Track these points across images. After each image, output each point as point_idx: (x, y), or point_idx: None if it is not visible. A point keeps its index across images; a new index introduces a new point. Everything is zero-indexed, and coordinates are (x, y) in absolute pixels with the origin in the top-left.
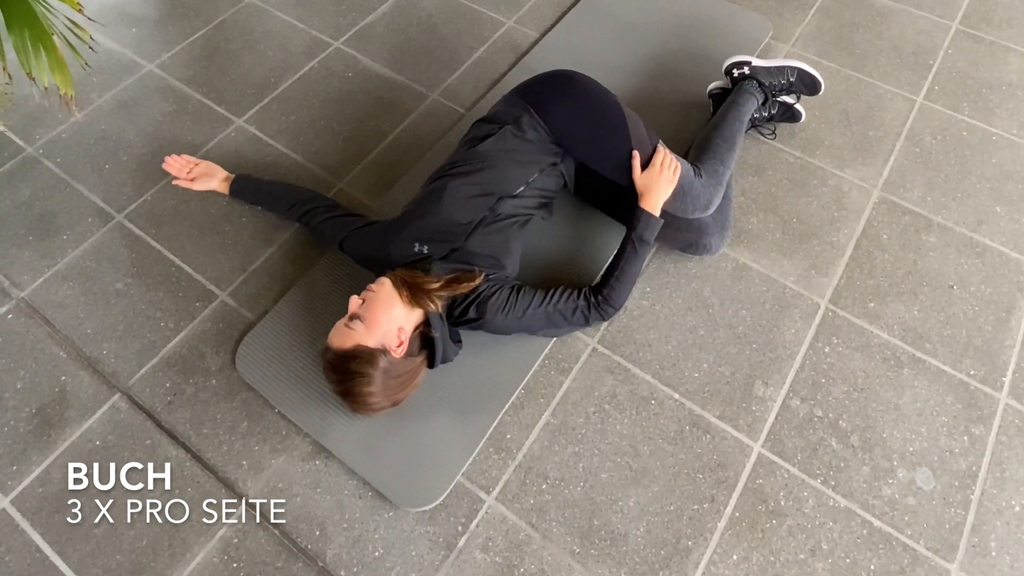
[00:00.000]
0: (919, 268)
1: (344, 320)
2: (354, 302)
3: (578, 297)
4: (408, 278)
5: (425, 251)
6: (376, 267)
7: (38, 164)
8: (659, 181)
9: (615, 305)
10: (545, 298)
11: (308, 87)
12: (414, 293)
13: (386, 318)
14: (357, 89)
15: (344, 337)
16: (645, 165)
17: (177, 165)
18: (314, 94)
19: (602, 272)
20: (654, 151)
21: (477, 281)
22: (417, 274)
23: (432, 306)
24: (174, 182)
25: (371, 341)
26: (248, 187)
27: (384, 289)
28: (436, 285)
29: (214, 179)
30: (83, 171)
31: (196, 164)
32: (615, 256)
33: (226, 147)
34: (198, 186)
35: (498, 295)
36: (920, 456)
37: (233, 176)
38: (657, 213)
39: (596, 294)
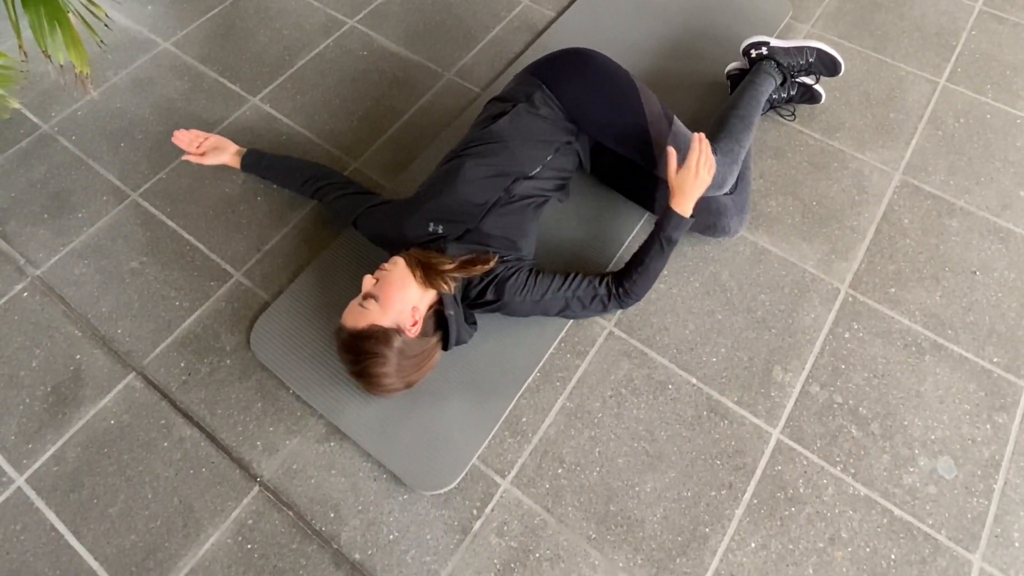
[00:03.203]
0: (941, 253)
1: (358, 300)
2: (368, 281)
3: (599, 285)
4: (422, 258)
5: (440, 231)
6: (390, 246)
7: (53, 142)
8: (694, 183)
9: (636, 298)
10: (564, 283)
11: (323, 66)
12: (428, 273)
13: (400, 298)
14: (372, 68)
15: (358, 317)
16: (663, 143)
17: (187, 139)
18: (329, 73)
19: (626, 262)
20: (688, 150)
21: (491, 264)
22: (431, 254)
23: (445, 287)
24: (184, 157)
25: (385, 321)
26: (260, 161)
27: (398, 268)
28: (450, 266)
29: (225, 153)
30: (98, 149)
31: (206, 138)
32: (641, 250)
33: (241, 125)
34: (208, 160)
35: (516, 277)
36: (942, 444)
37: (244, 150)
38: (688, 214)
39: (618, 285)
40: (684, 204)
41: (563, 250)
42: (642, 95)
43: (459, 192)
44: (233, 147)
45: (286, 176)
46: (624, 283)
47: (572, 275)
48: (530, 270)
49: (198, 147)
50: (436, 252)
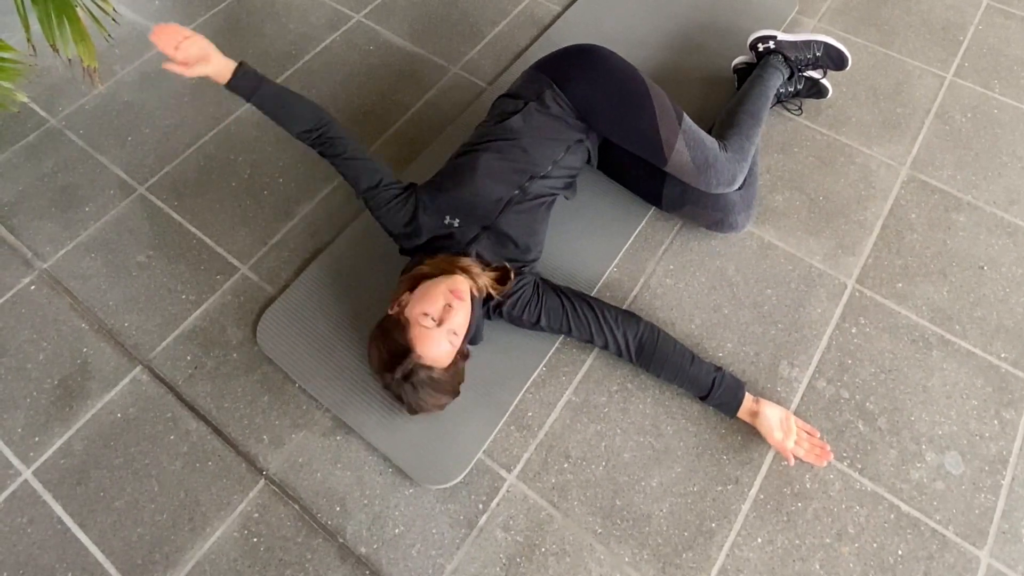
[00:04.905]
0: (948, 248)
1: (442, 333)
2: (450, 313)
3: (610, 337)
4: (471, 273)
5: (455, 224)
6: (399, 234)
7: (61, 136)
8: (778, 438)
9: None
10: (566, 317)
11: (329, 60)
12: (477, 284)
13: (469, 324)
14: (378, 63)
15: (446, 354)
16: (672, 140)
17: (166, 36)
18: (335, 67)
19: (656, 350)
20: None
21: (511, 283)
22: (470, 265)
23: (494, 292)
24: (165, 65)
25: (458, 352)
26: (254, 87)
27: (468, 297)
28: (491, 277)
29: (210, 64)
30: (106, 143)
31: (187, 36)
32: (676, 371)
33: (247, 119)
34: (193, 72)
35: (520, 293)
36: (949, 440)
37: (236, 65)
38: (733, 416)
39: (636, 355)
40: (745, 416)
41: (567, 245)
42: (651, 92)
43: (477, 185)
44: (221, 58)
45: (284, 115)
46: (640, 360)
47: (578, 310)
48: (535, 286)
49: (176, 48)
50: (460, 255)
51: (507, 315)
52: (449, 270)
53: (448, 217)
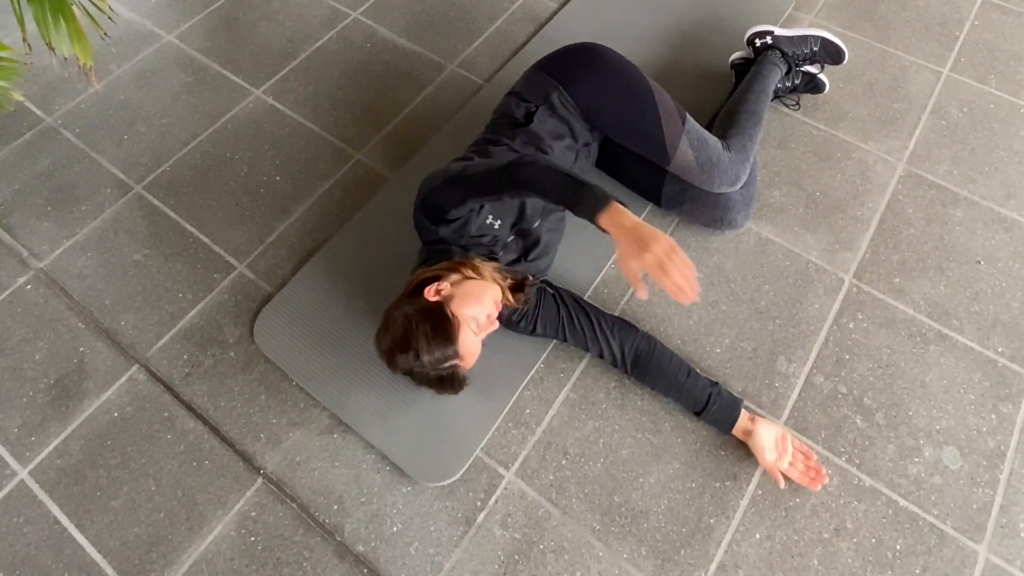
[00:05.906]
0: (945, 243)
1: (479, 340)
2: (491, 324)
3: (606, 349)
4: (501, 284)
5: (495, 227)
6: (434, 221)
7: (57, 135)
8: (774, 464)
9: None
10: (562, 329)
11: (326, 58)
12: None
13: None
14: (375, 60)
15: (475, 359)
16: (675, 140)
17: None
18: (332, 65)
19: (649, 369)
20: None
21: (523, 296)
22: (497, 273)
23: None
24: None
25: None
26: None
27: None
28: (507, 285)
29: None
30: (102, 142)
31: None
32: (671, 384)
33: (244, 118)
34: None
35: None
36: (947, 434)
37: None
38: (731, 433)
39: (628, 363)
40: (739, 434)
41: (565, 241)
42: (655, 92)
43: None
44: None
45: None
46: (636, 373)
47: (574, 320)
48: (534, 293)
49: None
50: (486, 259)
51: (504, 320)
52: (477, 274)
53: (491, 216)
